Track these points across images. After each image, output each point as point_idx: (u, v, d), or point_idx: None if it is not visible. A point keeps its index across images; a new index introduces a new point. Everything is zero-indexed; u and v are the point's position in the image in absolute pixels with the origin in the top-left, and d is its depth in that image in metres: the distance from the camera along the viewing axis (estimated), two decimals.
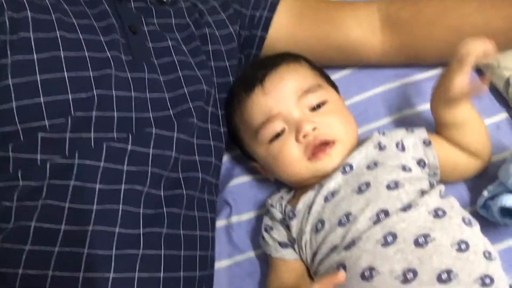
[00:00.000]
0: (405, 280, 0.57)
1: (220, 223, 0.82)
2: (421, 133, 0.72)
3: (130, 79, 0.68)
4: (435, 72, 0.86)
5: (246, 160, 0.83)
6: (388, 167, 0.67)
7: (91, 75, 0.64)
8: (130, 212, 0.62)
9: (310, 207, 0.68)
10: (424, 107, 0.84)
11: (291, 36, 0.84)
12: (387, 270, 0.58)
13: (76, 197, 0.60)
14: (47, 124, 0.60)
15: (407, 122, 0.84)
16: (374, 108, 0.87)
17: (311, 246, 0.67)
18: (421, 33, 0.81)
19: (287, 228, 0.71)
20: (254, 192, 0.85)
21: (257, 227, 0.80)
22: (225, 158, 0.88)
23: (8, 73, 0.59)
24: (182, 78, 0.74)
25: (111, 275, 0.58)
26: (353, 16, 0.84)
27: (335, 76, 0.90)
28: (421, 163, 0.70)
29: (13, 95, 0.59)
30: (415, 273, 0.57)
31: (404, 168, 0.68)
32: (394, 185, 0.64)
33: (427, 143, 0.71)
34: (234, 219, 0.82)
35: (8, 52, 0.59)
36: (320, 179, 0.71)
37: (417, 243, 0.58)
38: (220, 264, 0.79)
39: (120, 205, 0.61)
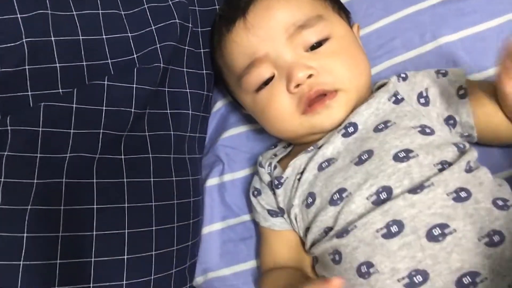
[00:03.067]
0: (412, 285, 0.43)
1: (212, 181, 0.70)
2: (457, 77, 0.54)
3: (76, 17, 0.54)
4: None
5: (239, 106, 0.69)
6: (402, 129, 0.51)
7: (19, 18, 0.51)
8: (78, 184, 0.52)
9: (301, 175, 0.55)
10: (468, 31, 0.64)
11: None
12: (388, 269, 0.44)
13: (12, 171, 0.50)
14: None
15: (446, 53, 0.65)
16: (403, 35, 0.68)
17: (303, 221, 0.55)
18: None
19: (275, 195, 0.59)
20: (251, 145, 0.71)
21: None
22: (219, 104, 0.74)
23: None
24: (148, 11, 0.59)
25: (58, 261, 0.50)
26: None
27: None
28: (449, 121, 0.53)
29: None
30: (425, 276, 0.43)
31: (423, 131, 0.51)
32: (404, 155, 0.48)
33: (461, 94, 0.52)
34: (227, 177, 0.70)
35: None
36: (320, 136, 0.56)
37: (430, 236, 0.44)
38: (212, 227, 0.69)
39: (64, 178, 0.51)
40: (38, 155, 0.51)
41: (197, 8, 0.65)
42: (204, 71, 0.66)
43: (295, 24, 0.55)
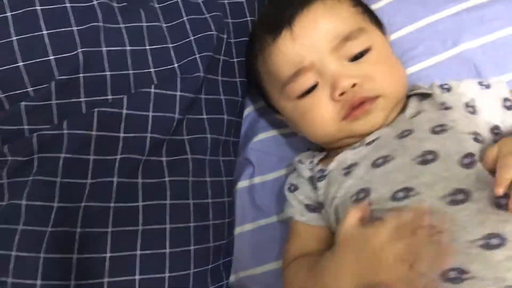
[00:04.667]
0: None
1: (243, 184, 0.74)
2: (500, 89, 0.57)
3: (123, 29, 0.59)
4: None
5: (272, 111, 0.73)
6: (458, 134, 0.53)
7: (74, 30, 0.55)
8: (127, 183, 0.56)
9: (349, 169, 0.57)
10: (489, 38, 0.67)
11: None
12: (492, 277, 0.44)
13: (68, 171, 0.54)
14: (29, 90, 0.54)
15: (467, 59, 0.68)
16: (425, 43, 0.71)
17: (342, 214, 0.56)
18: None
19: (315, 189, 0.61)
20: (280, 149, 0.75)
21: (283, 188, 0.71)
22: (249, 110, 0.78)
23: None
24: (187, 23, 0.64)
25: (108, 254, 0.53)
26: None
27: (378, 4, 0.75)
28: (495, 130, 0.55)
29: None
30: None
31: (476, 138, 0.53)
32: (468, 162, 0.50)
33: (508, 106, 0.56)
34: (257, 179, 0.73)
35: None
36: (355, 140, 0.60)
37: None
38: (243, 228, 0.72)
39: (115, 178, 0.55)
40: (92, 157, 0.55)
41: (230, 20, 0.69)
42: (237, 79, 0.70)
43: (339, 36, 0.59)
